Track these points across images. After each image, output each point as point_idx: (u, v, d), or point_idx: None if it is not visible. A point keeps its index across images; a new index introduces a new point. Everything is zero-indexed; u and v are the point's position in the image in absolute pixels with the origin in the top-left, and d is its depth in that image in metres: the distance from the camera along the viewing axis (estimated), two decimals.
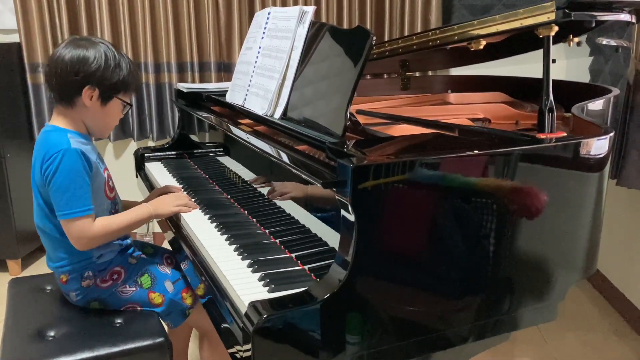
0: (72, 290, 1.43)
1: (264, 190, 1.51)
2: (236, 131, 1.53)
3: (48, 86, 1.40)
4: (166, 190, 1.65)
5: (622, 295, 2.37)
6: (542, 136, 1.21)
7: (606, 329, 2.27)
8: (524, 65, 2.10)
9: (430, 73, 2.63)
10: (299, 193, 1.32)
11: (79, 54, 1.33)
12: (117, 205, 1.49)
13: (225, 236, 1.33)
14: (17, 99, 2.77)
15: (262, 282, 1.10)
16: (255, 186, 1.56)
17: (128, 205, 1.60)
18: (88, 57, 1.33)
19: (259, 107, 1.52)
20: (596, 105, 1.50)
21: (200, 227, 1.41)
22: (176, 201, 1.51)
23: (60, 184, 1.30)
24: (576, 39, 1.43)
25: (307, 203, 1.29)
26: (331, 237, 1.18)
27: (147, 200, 1.65)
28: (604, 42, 1.81)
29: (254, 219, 1.44)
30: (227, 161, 1.84)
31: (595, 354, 2.11)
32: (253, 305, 0.96)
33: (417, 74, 2.41)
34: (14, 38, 2.81)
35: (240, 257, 1.22)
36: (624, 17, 1.35)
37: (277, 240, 1.30)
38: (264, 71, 1.56)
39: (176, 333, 1.65)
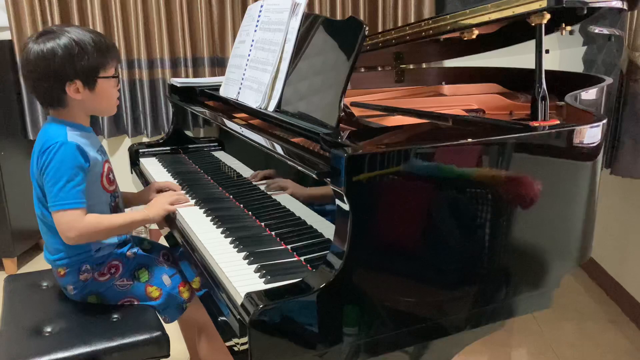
0: (70, 283, 1.43)
1: (259, 184, 1.50)
2: (230, 124, 1.53)
3: (34, 95, 1.39)
4: (163, 186, 1.65)
5: (617, 283, 2.38)
6: (535, 124, 1.21)
7: (602, 318, 2.28)
8: (518, 57, 2.10)
9: (424, 65, 2.63)
10: (294, 187, 1.32)
11: (39, 52, 1.30)
12: (117, 199, 1.49)
13: (221, 229, 1.33)
14: (10, 97, 2.75)
15: (259, 274, 1.10)
16: (250, 180, 1.56)
17: (126, 196, 1.60)
18: (52, 55, 1.30)
19: (252, 100, 1.52)
20: (589, 94, 1.50)
21: (196, 221, 1.41)
22: (167, 199, 1.51)
23: (53, 176, 1.30)
24: (568, 28, 1.43)
25: (303, 195, 1.29)
26: (326, 229, 1.18)
27: (143, 193, 1.65)
28: (597, 31, 1.81)
29: (250, 212, 1.44)
30: (222, 156, 1.84)
31: (591, 342, 2.12)
32: (249, 295, 0.97)
33: (411, 66, 2.41)
34: (6, 35, 2.79)
35: (236, 249, 1.22)
36: (616, 3, 1.35)
37: (273, 233, 1.30)
38: (257, 64, 1.56)
39: (187, 325, 1.67)
